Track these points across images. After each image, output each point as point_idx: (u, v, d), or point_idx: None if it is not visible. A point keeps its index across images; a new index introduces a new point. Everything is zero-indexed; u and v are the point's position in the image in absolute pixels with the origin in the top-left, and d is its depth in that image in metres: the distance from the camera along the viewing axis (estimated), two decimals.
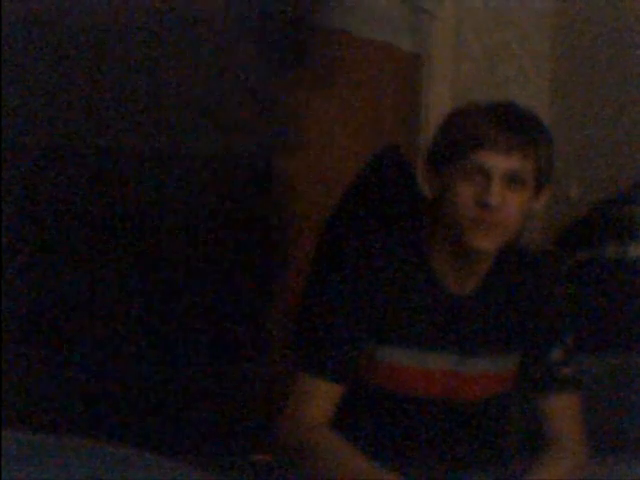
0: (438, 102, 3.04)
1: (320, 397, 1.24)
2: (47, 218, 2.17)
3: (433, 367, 1.30)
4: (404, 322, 1.29)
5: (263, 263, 2.59)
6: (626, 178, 2.61)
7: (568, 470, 1.30)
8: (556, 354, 1.36)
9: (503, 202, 1.21)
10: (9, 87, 1.99)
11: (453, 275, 1.30)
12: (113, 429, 2.36)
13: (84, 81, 2.17)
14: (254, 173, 2.33)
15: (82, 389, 2.31)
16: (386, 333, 1.28)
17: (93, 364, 2.33)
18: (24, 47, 2.09)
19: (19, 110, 2.06)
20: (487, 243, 1.24)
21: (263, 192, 2.31)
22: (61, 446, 0.99)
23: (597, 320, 2.18)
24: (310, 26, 2.36)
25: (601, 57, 3.03)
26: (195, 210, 2.22)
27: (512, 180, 1.23)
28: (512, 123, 1.23)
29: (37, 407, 2.23)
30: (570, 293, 1.40)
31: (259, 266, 2.51)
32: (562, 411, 1.35)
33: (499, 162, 1.21)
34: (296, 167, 2.74)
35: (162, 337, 2.44)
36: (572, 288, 1.41)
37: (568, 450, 1.32)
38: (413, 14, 3.02)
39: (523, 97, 3.26)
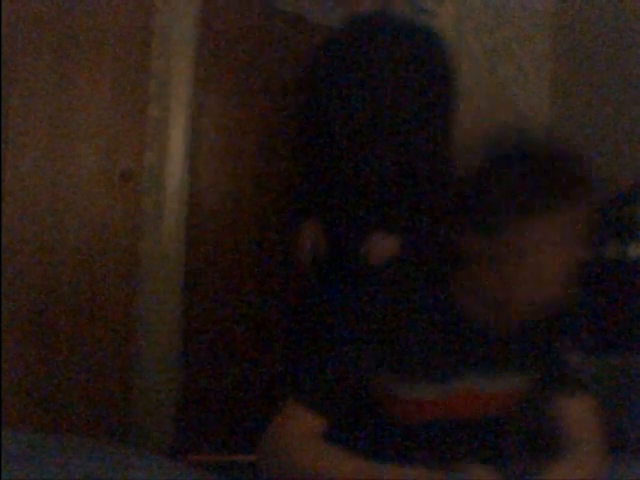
0: None
1: (302, 425, 1.21)
2: None
3: (456, 393, 1.27)
4: (426, 356, 1.23)
5: None
6: (626, 178, 2.61)
7: (589, 472, 1.28)
8: (571, 358, 1.35)
9: None
10: None
11: (474, 301, 1.27)
12: (113, 429, 2.36)
13: None
14: None
15: (82, 388, 2.31)
16: (406, 368, 1.23)
17: (93, 364, 2.33)
18: None
19: None
20: None
21: None
22: (61, 446, 0.99)
23: (597, 320, 2.18)
24: None
25: (601, 57, 3.02)
26: None
27: None
28: None
29: (37, 407, 2.23)
30: (574, 294, 1.39)
31: None
32: (580, 414, 1.33)
33: None
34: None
35: (161, 335, 2.44)
36: (572, 288, 1.40)
37: (588, 452, 1.31)
38: (413, 14, 3.02)
39: (523, 97, 3.26)
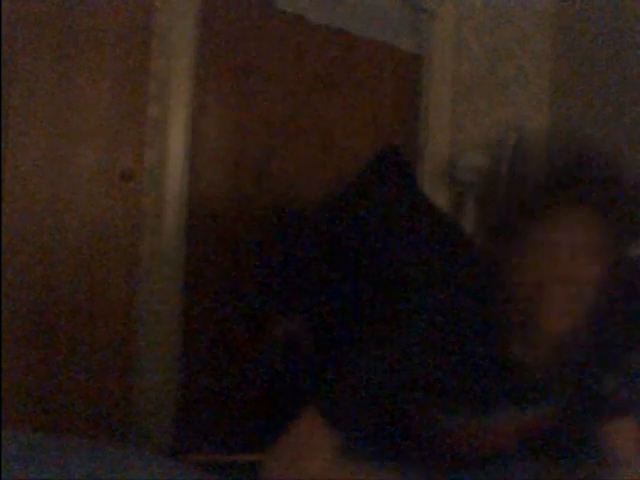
0: (438, 102, 3.04)
1: (321, 438, 1.18)
2: None
3: (496, 425, 1.26)
4: (465, 388, 1.22)
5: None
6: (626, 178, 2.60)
7: None
8: (609, 381, 1.32)
9: None
10: None
11: (526, 345, 1.22)
12: (113, 429, 2.36)
13: None
14: None
15: (82, 389, 2.31)
16: (445, 400, 1.23)
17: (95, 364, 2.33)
18: None
19: None
20: None
21: None
22: (61, 446, 0.99)
23: (597, 320, 2.17)
24: None
25: (601, 57, 3.02)
26: None
27: None
28: None
29: (37, 407, 2.23)
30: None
31: None
32: (623, 435, 1.31)
33: None
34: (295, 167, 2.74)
35: (161, 335, 2.44)
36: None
37: (633, 473, 1.29)
38: (413, 14, 3.02)
39: (523, 97, 3.26)
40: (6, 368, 2.17)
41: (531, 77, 3.26)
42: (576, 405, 1.32)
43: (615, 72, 2.95)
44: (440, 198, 2.97)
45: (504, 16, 3.20)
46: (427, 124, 3.02)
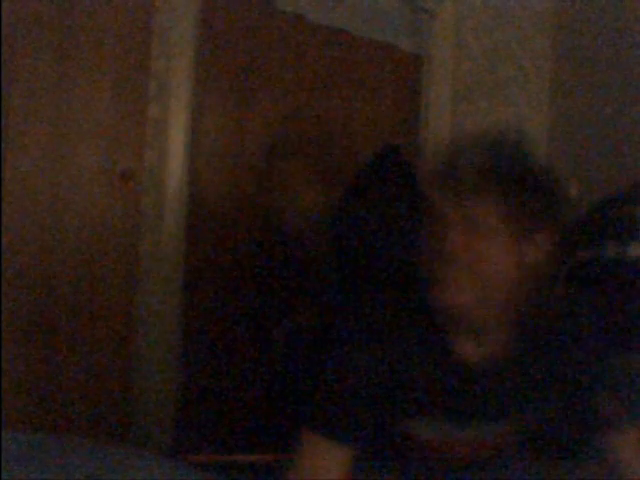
0: (438, 102, 3.04)
1: (330, 459, 1.16)
2: None
3: (456, 437, 1.26)
4: (422, 395, 1.21)
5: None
6: (626, 178, 2.61)
7: None
8: (600, 398, 1.31)
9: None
10: None
11: (468, 342, 1.21)
12: (113, 429, 2.36)
13: None
14: None
15: (82, 389, 2.31)
16: (404, 406, 1.22)
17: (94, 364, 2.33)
18: None
19: None
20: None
21: None
22: (61, 446, 0.99)
23: (597, 320, 2.17)
24: None
25: (601, 57, 3.02)
26: None
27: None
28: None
29: (37, 407, 2.23)
30: (571, 294, 1.38)
31: None
32: (622, 447, 1.30)
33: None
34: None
35: (161, 335, 2.44)
36: (572, 288, 1.39)
37: None
38: (413, 14, 3.02)
39: (523, 97, 3.26)
40: (6, 368, 2.17)
41: (531, 77, 3.26)
42: (568, 418, 1.31)
43: (615, 72, 2.95)
44: None
45: (504, 16, 3.20)
46: (427, 124, 3.02)
